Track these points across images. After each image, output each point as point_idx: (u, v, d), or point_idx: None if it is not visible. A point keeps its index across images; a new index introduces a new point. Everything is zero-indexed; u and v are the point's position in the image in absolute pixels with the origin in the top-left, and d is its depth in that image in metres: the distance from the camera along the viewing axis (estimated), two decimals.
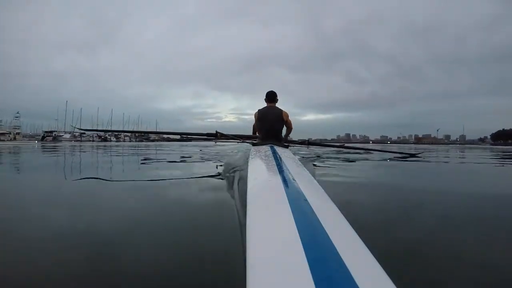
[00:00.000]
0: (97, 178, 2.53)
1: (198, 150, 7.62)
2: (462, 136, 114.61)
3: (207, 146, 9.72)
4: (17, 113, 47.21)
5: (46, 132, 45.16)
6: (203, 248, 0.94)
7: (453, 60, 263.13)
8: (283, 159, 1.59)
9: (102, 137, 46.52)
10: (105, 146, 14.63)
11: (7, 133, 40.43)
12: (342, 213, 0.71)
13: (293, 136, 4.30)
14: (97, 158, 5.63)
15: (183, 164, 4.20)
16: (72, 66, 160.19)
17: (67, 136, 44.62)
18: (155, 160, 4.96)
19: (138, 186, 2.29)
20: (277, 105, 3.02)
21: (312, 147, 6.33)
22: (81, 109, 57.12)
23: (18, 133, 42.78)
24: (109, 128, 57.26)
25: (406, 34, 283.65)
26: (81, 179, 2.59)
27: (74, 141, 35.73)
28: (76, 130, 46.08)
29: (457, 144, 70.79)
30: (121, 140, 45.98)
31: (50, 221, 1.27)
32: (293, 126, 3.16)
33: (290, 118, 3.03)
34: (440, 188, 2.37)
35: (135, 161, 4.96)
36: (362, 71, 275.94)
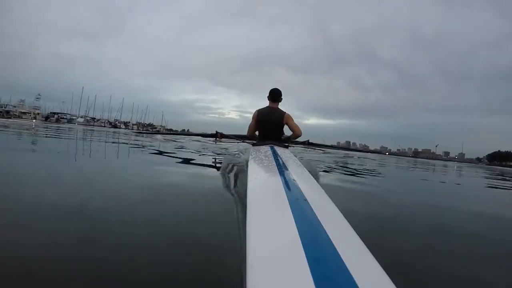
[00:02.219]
0: None
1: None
2: (461, 154, 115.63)
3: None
4: (38, 94, 52.83)
5: (52, 113, 50.35)
6: (202, 248, 0.93)
7: (458, 75, 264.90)
8: (283, 159, 1.59)
9: (113, 124, 53.60)
10: (114, 132, 14.93)
11: (28, 113, 45.11)
12: (342, 213, 0.71)
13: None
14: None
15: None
16: (78, 52, 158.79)
17: (81, 120, 49.71)
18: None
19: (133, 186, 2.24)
20: (280, 105, 2.77)
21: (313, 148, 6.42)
22: (95, 95, 61.68)
23: (38, 113, 47.06)
24: (119, 115, 63.18)
25: (413, 45, 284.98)
26: None
27: (88, 125, 37.98)
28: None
29: (454, 161, 71.56)
30: (129, 128, 52.37)
31: None
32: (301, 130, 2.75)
33: (295, 123, 2.73)
34: None
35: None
36: (367, 78, 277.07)
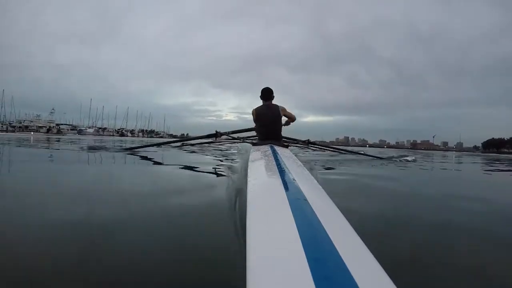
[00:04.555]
0: None
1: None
2: (459, 144, 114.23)
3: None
4: (53, 109, 57.32)
5: (57, 125, 54.82)
6: (202, 248, 0.91)
7: (456, 69, 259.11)
8: (283, 159, 1.57)
9: (119, 132, 57.82)
10: (121, 140, 14.92)
11: (45, 126, 49.58)
12: (342, 213, 0.69)
13: (293, 136, 4.25)
14: None
15: None
16: (75, 59, 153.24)
17: (91, 130, 53.62)
18: None
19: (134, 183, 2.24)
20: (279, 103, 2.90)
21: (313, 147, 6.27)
22: (103, 106, 65.67)
23: (53, 126, 51.21)
24: (124, 123, 66.58)
25: (410, 41, 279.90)
26: None
27: (98, 135, 40.31)
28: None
29: (452, 151, 70.73)
30: (135, 135, 56.46)
31: None
32: (294, 123, 3.25)
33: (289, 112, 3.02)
34: None
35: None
36: (364, 75, 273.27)
